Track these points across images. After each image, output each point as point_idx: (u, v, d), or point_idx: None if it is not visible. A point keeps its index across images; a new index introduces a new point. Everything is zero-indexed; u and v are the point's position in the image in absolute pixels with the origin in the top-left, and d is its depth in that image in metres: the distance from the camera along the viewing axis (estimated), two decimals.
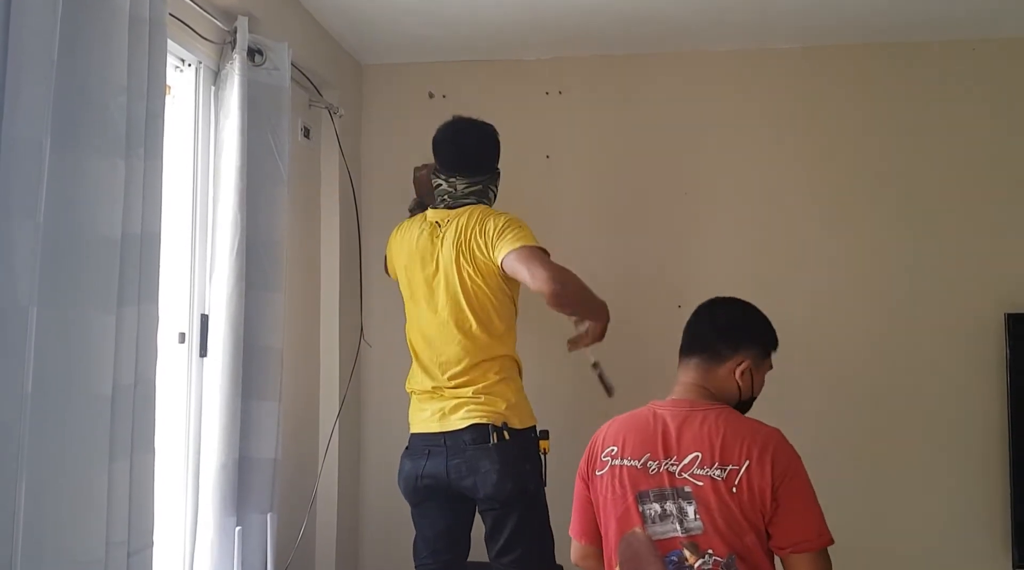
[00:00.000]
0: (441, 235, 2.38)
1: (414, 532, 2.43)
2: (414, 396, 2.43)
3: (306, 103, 2.79)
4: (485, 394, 2.30)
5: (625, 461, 1.71)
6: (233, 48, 2.17)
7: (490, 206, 2.44)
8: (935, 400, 2.89)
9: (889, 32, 2.86)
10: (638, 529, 1.66)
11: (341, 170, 2.91)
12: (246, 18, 2.20)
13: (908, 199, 2.93)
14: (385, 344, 3.00)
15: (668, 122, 3.05)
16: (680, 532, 1.64)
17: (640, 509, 1.67)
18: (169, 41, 1.80)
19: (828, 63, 2.98)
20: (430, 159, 2.52)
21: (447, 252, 2.34)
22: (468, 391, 2.31)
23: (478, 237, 2.31)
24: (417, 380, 2.41)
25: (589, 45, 3.00)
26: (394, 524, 2.79)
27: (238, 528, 2.11)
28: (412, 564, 2.42)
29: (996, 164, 2.89)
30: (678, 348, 1.88)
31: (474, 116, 2.50)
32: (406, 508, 2.44)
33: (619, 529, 1.69)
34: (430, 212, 2.46)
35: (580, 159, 3.07)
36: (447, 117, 2.50)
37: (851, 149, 2.96)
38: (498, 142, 2.49)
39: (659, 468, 1.68)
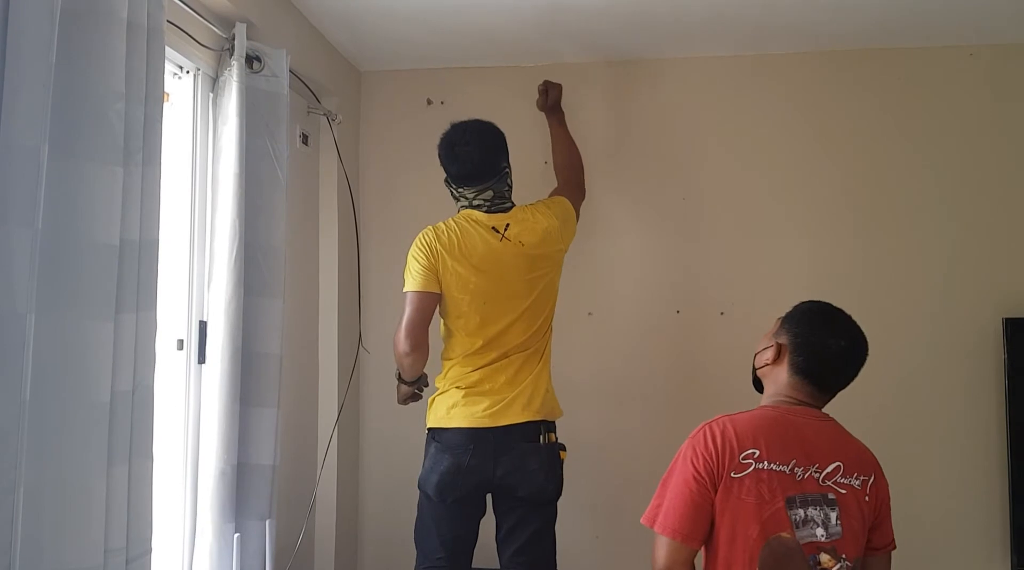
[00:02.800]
0: (506, 237, 2.34)
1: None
2: (455, 391, 2.34)
3: (304, 110, 2.80)
4: (542, 394, 2.34)
5: (772, 465, 1.70)
6: (231, 55, 2.18)
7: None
8: (934, 404, 2.88)
9: (886, 37, 2.87)
10: (785, 534, 1.68)
11: (339, 176, 2.91)
12: (244, 25, 2.20)
13: (906, 204, 2.93)
14: (384, 350, 2.99)
15: (668, 128, 3.05)
16: (822, 537, 1.68)
17: (789, 514, 1.69)
18: (167, 48, 1.80)
19: (826, 68, 2.98)
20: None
21: (530, 255, 2.35)
22: (529, 388, 2.32)
23: (562, 237, 2.44)
24: (466, 376, 2.34)
25: (588, 51, 3.01)
26: (393, 530, 2.78)
27: (236, 534, 2.11)
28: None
29: (994, 168, 2.89)
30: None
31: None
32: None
33: (763, 533, 1.68)
34: (480, 215, 2.38)
35: None
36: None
37: (849, 155, 2.96)
38: (503, 138, 2.44)
39: (804, 474, 1.72)
